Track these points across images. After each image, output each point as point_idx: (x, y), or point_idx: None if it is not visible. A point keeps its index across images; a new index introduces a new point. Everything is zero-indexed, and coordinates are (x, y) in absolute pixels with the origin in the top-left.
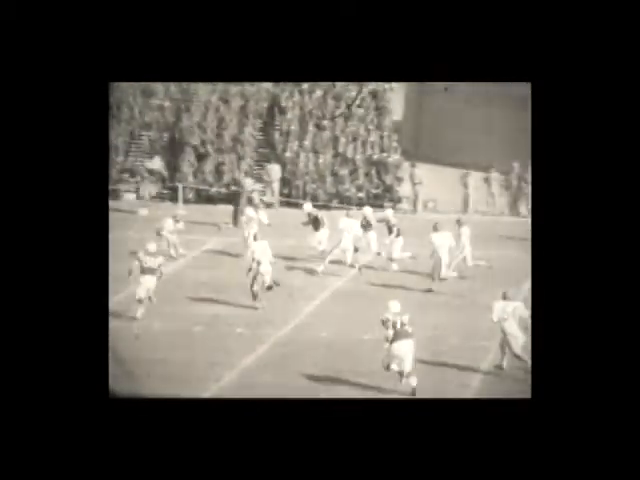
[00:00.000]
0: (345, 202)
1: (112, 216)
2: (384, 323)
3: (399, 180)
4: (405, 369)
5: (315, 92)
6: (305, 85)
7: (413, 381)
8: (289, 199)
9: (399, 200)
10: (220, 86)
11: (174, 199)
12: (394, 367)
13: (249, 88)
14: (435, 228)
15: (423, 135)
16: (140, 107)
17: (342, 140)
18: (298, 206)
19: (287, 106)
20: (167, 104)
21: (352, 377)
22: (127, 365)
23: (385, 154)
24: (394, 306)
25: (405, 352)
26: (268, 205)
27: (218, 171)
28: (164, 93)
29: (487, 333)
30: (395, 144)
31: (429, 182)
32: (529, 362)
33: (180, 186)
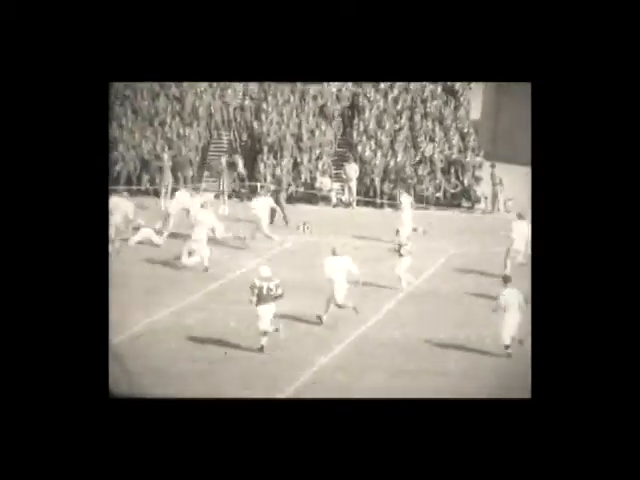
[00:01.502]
0: (423, 202)
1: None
2: (251, 288)
3: (477, 180)
4: (263, 327)
5: (393, 91)
6: (382, 85)
7: (282, 333)
8: (366, 198)
9: (477, 200)
10: (299, 86)
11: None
12: (263, 326)
13: (328, 88)
14: (203, 205)
15: (500, 134)
16: (218, 106)
17: (420, 139)
18: (375, 205)
19: (365, 105)
20: (247, 103)
21: (426, 377)
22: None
23: (464, 154)
24: (264, 271)
25: (266, 313)
26: (346, 205)
27: (296, 170)
28: (243, 92)
29: None
30: (473, 143)
31: (506, 182)
32: (351, 304)
33: (259, 185)
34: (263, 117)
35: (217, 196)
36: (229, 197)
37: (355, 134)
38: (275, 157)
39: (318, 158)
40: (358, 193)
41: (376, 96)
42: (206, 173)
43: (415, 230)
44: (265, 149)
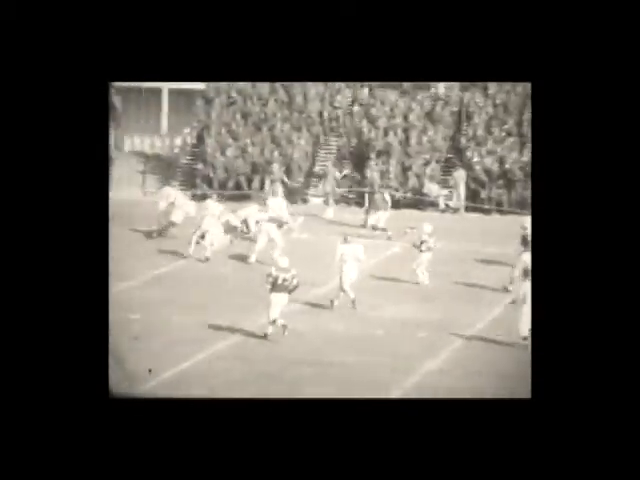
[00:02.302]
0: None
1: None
2: (267, 276)
3: None
4: (272, 316)
5: (501, 96)
6: (491, 90)
7: (281, 321)
8: (474, 204)
9: None
10: (405, 86)
11: (360, 203)
12: (272, 315)
13: (436, 92)
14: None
15: None
16: (327, 112)
17: (529, 145)
18: (484, 211)
19: (474, 111)
20: (356, 108)
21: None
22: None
23: None
24: (282, 262)
25: (277, 302)
26: (454, 210)
27: (404, 176)
28: (352, 98)
29: None
30: None
31: None
32: (352, 296)
33: (366, 190)
34: (372, 122)
35: (325, 201)
36: (336, 202)
37: (463, 139)
38: (383, 162)
39: (426, 163)
40: (466, 199)
41: (486, 101)
42: (315, 179)
43: None
44: (373, 154)
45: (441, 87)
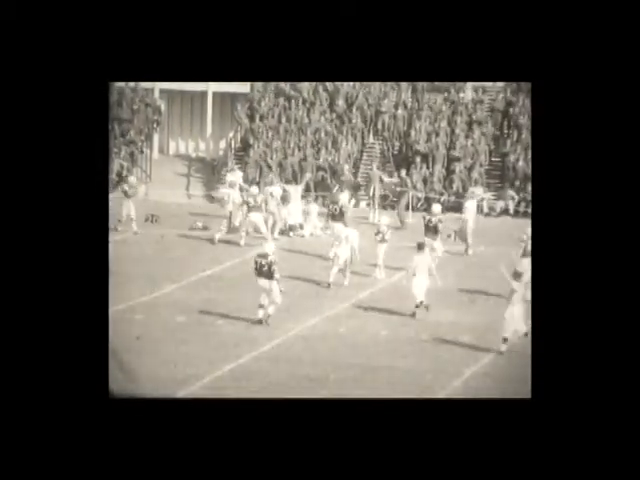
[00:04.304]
0: None
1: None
2: (255, 262)
3: None
4: (264, 301)
5: None
6: None
7: (271, 310)
8: (518, 208)
9: None
10: (451, 92)
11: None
12: (261, 300)
13: (475, 96)
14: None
15: None
16: (372, 115)
17: None
18: (527, 215)
19: (516, 113)
20: (399, 112)
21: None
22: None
23: None
24: (268, 248)
25: (266, 287)
26: (498, 214)
27: (448, 179)
28: (396, 102)
29: None
30: None
31: None
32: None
33: (410, 193)
34: (416, 126)
35: (368, 204)
36: (380, 206)
37: (509, 143)
38: (427, 166)
39: (470, 167)
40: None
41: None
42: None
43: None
44: (418, 158)
45: (472, 90)
